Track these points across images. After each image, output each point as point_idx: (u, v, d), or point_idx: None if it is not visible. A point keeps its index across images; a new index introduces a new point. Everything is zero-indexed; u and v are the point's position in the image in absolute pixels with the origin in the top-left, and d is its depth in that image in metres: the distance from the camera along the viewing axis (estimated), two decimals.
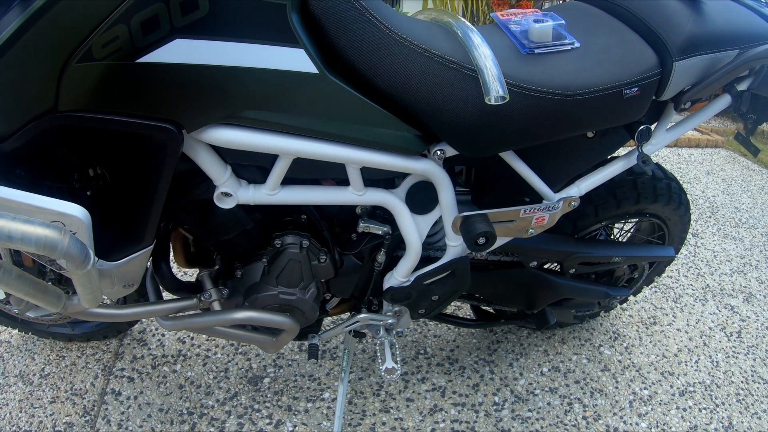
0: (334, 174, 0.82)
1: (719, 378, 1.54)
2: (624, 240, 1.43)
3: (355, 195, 0.84)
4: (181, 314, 0.94)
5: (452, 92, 0.73)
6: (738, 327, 1.74)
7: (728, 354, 1.63)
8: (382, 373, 1.05)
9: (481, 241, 0.88)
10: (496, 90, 0.69)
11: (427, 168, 0.83)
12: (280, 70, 0.65)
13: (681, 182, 2.32)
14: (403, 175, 0.89)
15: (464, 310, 1.60)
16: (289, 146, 0.72)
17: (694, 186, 2.30)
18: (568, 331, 1.58)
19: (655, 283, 1.84)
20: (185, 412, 1.28)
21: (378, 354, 1.08)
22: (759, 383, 1.55)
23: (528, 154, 0.91)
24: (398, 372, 1.05)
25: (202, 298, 0.92)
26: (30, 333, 1.45)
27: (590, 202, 1.16)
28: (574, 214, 1.16)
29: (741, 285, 1.86)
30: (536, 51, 0.83)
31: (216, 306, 0.92)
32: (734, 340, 1.68)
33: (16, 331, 1.51)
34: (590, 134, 0.93)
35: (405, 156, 0.80)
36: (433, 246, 1.06)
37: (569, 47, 0.84)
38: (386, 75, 0.72)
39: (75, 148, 0.75)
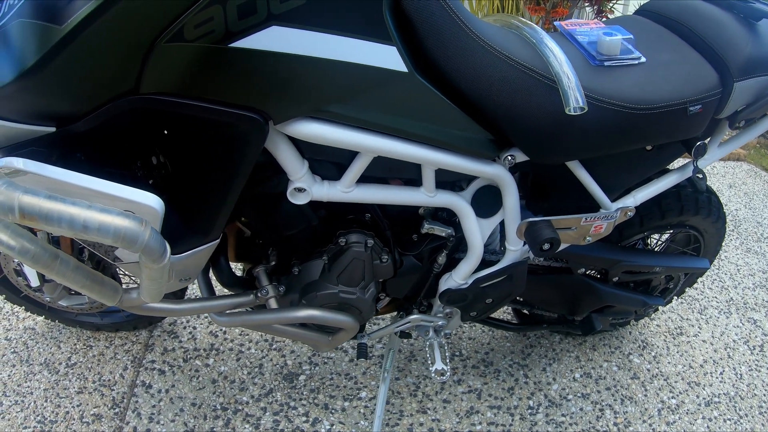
0: (406, 174, 0.82)
1: (743, 390, 1.55)
2: (658, 250, 1.43)
3: (426, 196, 0.83)
4: (236, 311, 0.92)
5: (530, 99, 0.74)
6: (761, 341, 1.75)
7: (751, 367, 1.64)
8: (432, 375, 1.04)
9: (546, 246, 0.89)
10: (575, 100, 0.69)
11: (497, 173, 0.83)
12: (371, 66, 0.64)
13: None
14: (470, 179, 0.89)
15: (504, 313, 1.59)
16: (372, 144, 0.71)
17: None
18: (598, 338, 1.58)
19: (682, 294, 1.85)
20: (219, 408, 1.26)
21: (428, 355, 1.07)
22: None
23: (590, 163, 0.91)
24: (448, 373, 1.05)
25: (259, 295, 0.90)
26: (57, 321, 1.42)
27: (637, 211, 1.17)
28: (621, 223, 1.17)
29: (764, 300, 1.88)
30: (605, 63, 0.84)
31: (272, 303, 0.91)
32: (757, 354, 1.70)
33: (42, 318, 1.48)
34: (649, 147, 0.94)
35: (479, 160, 0.80)
36: (487, 249, 1.06)
37: (636, 62, 0.85)
38: (470, 78, 0.72)
39: (146, 134, 0.72)
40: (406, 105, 0.69)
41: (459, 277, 0.98)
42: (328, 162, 0.78)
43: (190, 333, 1.43)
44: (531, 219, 0.91)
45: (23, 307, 1.35)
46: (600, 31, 0.88)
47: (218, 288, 1.45)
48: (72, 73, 0.55)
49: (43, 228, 0.52)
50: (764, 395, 1.55)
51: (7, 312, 1.51)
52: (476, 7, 2.33)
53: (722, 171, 2.52)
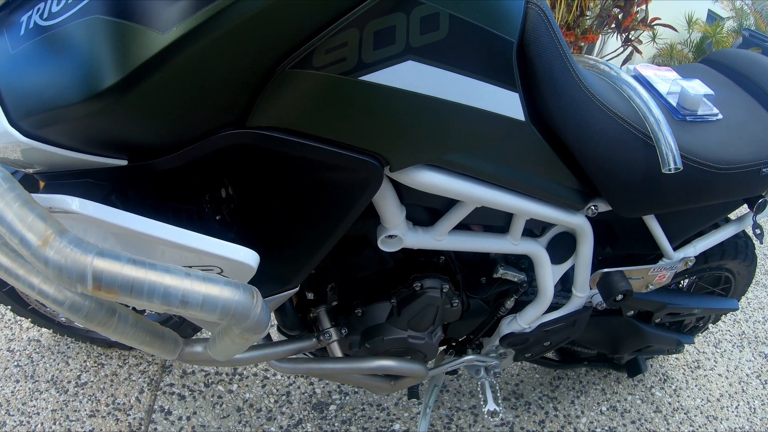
0: (494, 221, 0.80)
1: (756, 424, 1.57)
2: (685, 289, 1.44)
3: (511, 244, 0.82)
4: (297, 357, 0.86)
5: (625, 153, 0.72)
6: None
7: (764, 401, 1.66)
8: (485, 416, 1.01)
9: (620, 297, 0.89)
10: (673, 161, 0.69)
11: (580, 222, 0.82)
12: (494, 113, 0.60)
13: None
14: (545, 225, 0.87)
15: None
16: (480, 194, 0.67)
17: None
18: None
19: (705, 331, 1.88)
20: None
21: (480, 395, 1.04)
22: None
23: (662, 214, 0.91)
24: (501, 415, 1.02)
25: (321, 338, 0.84)
26: (65, 335, 1.33)
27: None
28: None
29: None
30: (688, 118, 0.83)
31: (336, 347, 0.85)
32: None
33: (50, 330, 1.38)
34: (719, 201, 0.94)
35: (566, 209, 0.79)
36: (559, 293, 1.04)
37: (714, 118, 0.85)
38: (575, 128, 0.70)
39: (233, 169, 0.63)
40: (518, 155, 0.67)
41: (524, 322, 0.96)
42: (422, 207, 0.75)
43: None
44: (605, 270, 0.90)
45: (29, 320, 1.26)
46: (679, 83, 0.86)
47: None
48: (167, 96, 0.44)
49: (123, 301, 0.41)
50: None
51: (9, 320, 1.40)
52: None
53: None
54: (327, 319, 0.84)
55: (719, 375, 1.69)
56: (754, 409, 1.62)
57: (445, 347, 1.08)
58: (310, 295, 0.86)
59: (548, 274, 0.88)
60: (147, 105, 0.44)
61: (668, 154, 0.69)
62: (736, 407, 1.60)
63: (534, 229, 0.88)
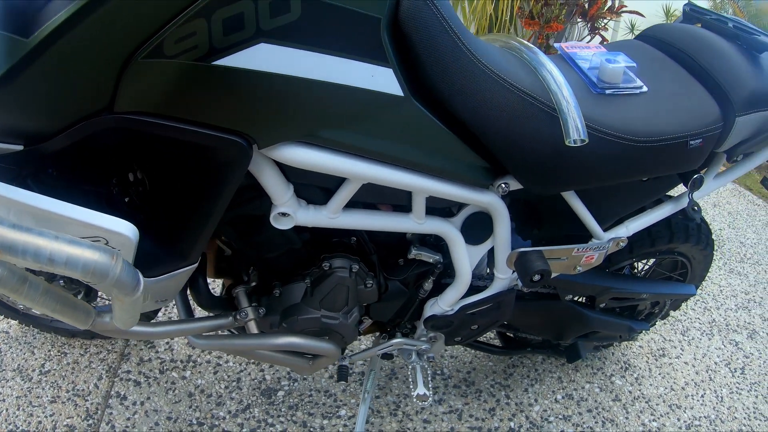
0: (395, 200, 0.80)
1: (723, 413, 1.56)
2: (643, 275, 1.43)
3: (415, 223, 0.81)
4: (215, 333, 0.90)
5: (530, 128, 0.72)
6: (742, 363, 1.76)
7: (732, 390, 1.64)
8: (414, 399, 1.03)
9: (537, 278, 0.87)
10: (576, 131, 0.67)
11: (491, 201, 0.81)
12: (365, 90, 0.61)
13: None
14: (460, 205, 0.87)
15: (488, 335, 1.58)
16: (363, 171, 0.68)
17: None
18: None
19: (667, 317, 1.86)
20: (195, 422, 1.23)
21: (410, 379, 1.05)
22: (760, 420, 1.58)
23: (585, 193, 0.90)
24: (430, 399, 1.03)
25: (238, 317, 0.87)
26: (31, 326, 1.38)
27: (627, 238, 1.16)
28: None
29: (745, 321, 1.89)
30: (607, 92, 0.82)
31: (252, 326, 0.88)
32: (738, 376, 1.70)
33: (16, 322, 1.44)
34: (645, 178, 0.93)
35: (472, 187, 0.78)
36: (474, 275, 1.04)
37: (637, 91, 0.83)
38: (469, 103, 0.69)
39: (121, 152, 0.68)
40: (400, 131, 0.66)
41: (445, 304, 0.96)
42: (315, 186, 0.76)
43: (167, 343, 1.40)
44: (522, 249, 0.89)
45: None
46: (602, 57, 0.86)
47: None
48: (40, 89, 0.51)
49: (8, 260, 0.49)
50: (744, 418, 1.56)
51: None
52: (469, 18, 2.31)
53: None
54: (245, 299, 0.88)
55: (685, 363, 1.67)
56: (722, 397, 1.61)
57: (379, 331, 1.10)
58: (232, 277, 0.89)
59: (463, 255, 0.88)
60: (24, 97, 0.51)
61: (571, 125, 0.67)
62: (702, 396, 1.59)
63: (452, 208, 0.87)
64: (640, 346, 1.68)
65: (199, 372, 1.33)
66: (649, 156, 0.79)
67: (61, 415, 1.25)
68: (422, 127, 0.68)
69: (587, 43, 0.99)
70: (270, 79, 0.56)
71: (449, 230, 0.85)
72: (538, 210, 0.96)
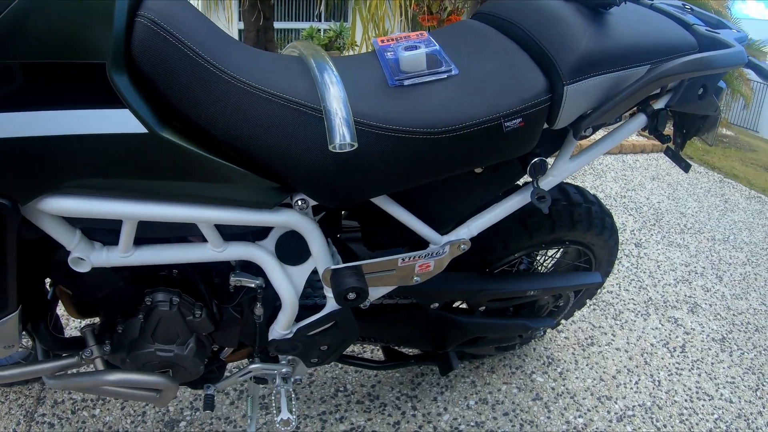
0: (189, 232, 0.74)
1: (661, 398, 1.46)
2: (550, 266, 1.33)
3: (214, 252, 0.76)
4: (66, 372, 0.90)
5: (301, 137, 0.65)
6: (682, 341, 1.66)
7: (671, 371, 1.54)
8: (277, 425, 0.95)
9: (351, 296, 0.79)
10: (341, 136, 0.60)
11: (290, 219, 0.74)
12: (105, 135, 0.59)
13: (626, 189, 2.24)
14: (271, 227, 0.80)
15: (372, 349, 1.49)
16: (132, 211, 0.66)
17: (639, 193, 2.24)
18: (498, 359, 1.48)
19: (594, 301, 1.75)
20: None
21: (273, 404, 0.98)
22: (704, 400, 1.48)
23: (407, 195, 0.81)
24: (293, 423, 0.96)
25: (84, 356, 0.87)
26: None
27: (498, 233, 1.05)
28: (480, 249, 1.06)
29: (685, 295, 1.79)
30: (405, 83, 0.73)
31: (99, 364, 0.87)
32: (678, 356, 1.60)
33: None
34: (479, 170, 0.83)
35: (261, 210, 0.71)
36: (319, 293, 0.96)
37: (445, 75, 0.74)
38: (226, 124, 0.63)
39: None
40: (155, 166, 0.63)
41: (280, 328, 0.90)
42: (104, 228, 0.72)
43: None
44: (335, 266, 0.81)
45: None
46: (402, 46, 0.77)
47: None
48: None
49: None
50: (685, 400, 1.46)
51: None
52: (366, 18, 2.26)
53: (645, 163, 2.44)
54: (92, 337, 0.88)
55: (617, 350, 1.57)
56: (659, 381, 1.50)
57: (248, 357, 1.03)
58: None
59: (279, 278, 0.81)
60: None
61: (336, 129, 0.61)
62: (636, 383, 1.49)
63: (269, 231, 0.81)
64: (566, 338, 1.58)
65: (108, 409, 1.27)
66: (456, 147, 0.69)
67: None
68: (179, 159, 0.63)
69: (419, 32, 0.90)
70: (6, 143, 0.57)
71: (257, 253, 0.79)
72: (366, 221, 0.88)
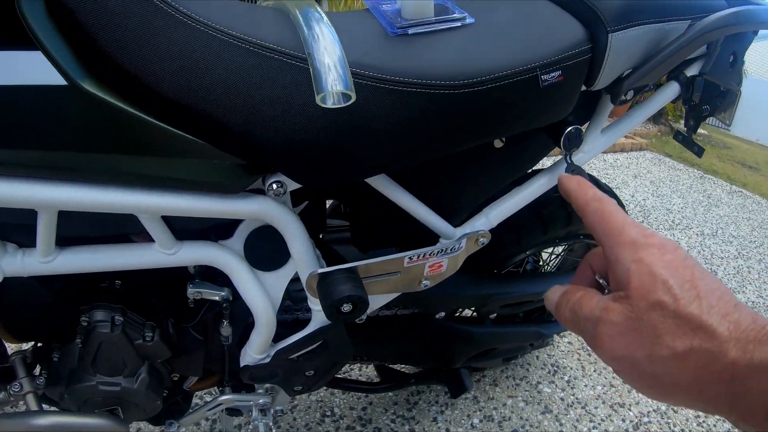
0: (130, 228, 0.58)
1: None
2: (555, 263, 1.21)
3: (164, 255, 0.59)
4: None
5: (277, 92, 0.48)
6: None
7: None
8: None
9: (346, 308, 0.60)
10: (333, 83, 0.44)
11: (263, 209, 0.57)
12: (7, 87, 0.43)
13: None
14: (237, 222, 0.63)
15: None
16: (44, 196, 0.48)
17: (623, 191, 2.18)
18: (500, 371, 1.34)
19: None
20: None
21: None
22: None
23: (413, 177, 0.65)
24: None
25: (12, 391, 0.69)
26: None
27: (511, 228, 0.89)
28: (489, 247, 0.90)
29: None
30: (410, 31, 0.58)
31: (31, 401, 0.69)
32: None
33: None
34: (498, 143, 0.68)
35: (224, 196, 0.55)
36: (303, 306, 0.79)
37: (459, 23, 0.59)
38: (174, 78, 0.47)
39: None
40: (77, 133, 0.46)
41: (254, 351, 0.72)
42: (20, 225, 0.54)
43: None
44: (322, 270, 0.62)
45: None
46: None
47: None
48: None
49: None
50: None
51: None
52: None
53: (626, 162, 2.41)
54: (22, 367, 0.69)
55: None
56: None
57: (218, 386, 0.85)
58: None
59: (249, 286, 0.65)
60: None
61: (323, 73, 0.45)
62: None
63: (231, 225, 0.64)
64: (570, 343, 1.46)
65: None
66: (481, 106, 0.55)
67: None
68: (111, 124, 0.46)
69: None
70: None
71: (219, 256, 0.62)
72: (359, 212, 0.72)
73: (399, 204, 0.65)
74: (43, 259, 0.56)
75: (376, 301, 0.73)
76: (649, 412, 1.30)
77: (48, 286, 0.65)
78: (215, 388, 0.85)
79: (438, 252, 0.68)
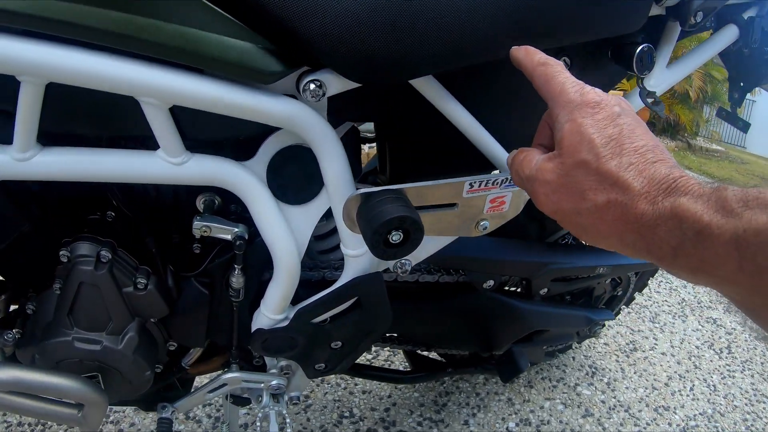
0: (130, 128, 0.49)
1: (720, 404, 1.25)
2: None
3: (168, 164, 0.49)
4: None
5: None
6: (726, 342, 1.47)
7: (723, 374, 1.35)
8: None
9: (396, 238, 0.48)
10: None
11: (294, 112, 0.48)
12: None
13: None
14: (261, 137, 0.54)
15: (394, 356, 1.24)
16: (30, 56, 0.40)
17: None
18: (534, 371, 1.25)
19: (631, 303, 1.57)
20: None
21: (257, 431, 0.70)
22: (764, 402, 1.28)
23: (468, 95, 0.57)
24: None
25: None
26: None
27: None
28: (540, 213, 0.81)
29: (717, 294, 1.63)
30: None
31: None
32: (726, 358, 1.41)
33: None
34: (558, 42, 0.59)
35: (252, 88, 0.46)
36: (331, 263, 0.68)
37: None
38: None
39: None
40: None
41: (270, 310, 0.60)
42: None
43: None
44: (365, 190, 0.51)
45: None
46: None
47: None
48: None
49: None
50: (746, 404, 1.25)
51: None
52: None
53: None
54: None
55: (663, 354, 1.37)
56: (714, 386, 1.30)
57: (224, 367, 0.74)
58: None
59: (273, 219, 0.54)
60: None
61: None
62: (691, 389, 1.28)
63: (249, 141, 0.54)
64: (606, 344, 1.37)
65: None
66: (543, 4, 0.50)
67: None
68: None
69: None
70: None
71: (236, 175, 0.51)
72: (398, 135, 0.62)
73: (455, 122, 0.56)
74: (19, 156, 0.45)
75: (424, 249, 0.62)
76: (695, 415, 1.20)
77: (25, 210, 0.55)
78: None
79: (502, 181, 0.56)
